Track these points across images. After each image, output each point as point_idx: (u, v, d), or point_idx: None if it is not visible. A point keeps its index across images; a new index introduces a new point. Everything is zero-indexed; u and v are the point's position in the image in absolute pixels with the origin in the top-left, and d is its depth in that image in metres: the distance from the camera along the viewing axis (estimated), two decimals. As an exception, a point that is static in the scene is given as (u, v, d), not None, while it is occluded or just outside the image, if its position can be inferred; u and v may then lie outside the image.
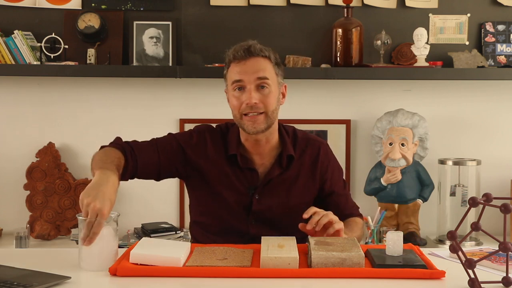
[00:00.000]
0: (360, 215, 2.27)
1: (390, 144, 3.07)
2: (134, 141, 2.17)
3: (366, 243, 2.90)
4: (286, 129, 2.21)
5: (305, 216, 1.91)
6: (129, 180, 2.15)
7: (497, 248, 1.57)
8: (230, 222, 2.14)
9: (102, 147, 2.15)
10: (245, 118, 2.06)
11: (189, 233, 2.38)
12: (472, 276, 1.58)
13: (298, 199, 2.14)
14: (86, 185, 3.11)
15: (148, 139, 3.22)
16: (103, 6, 3.21)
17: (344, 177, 2.31)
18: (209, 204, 2.17)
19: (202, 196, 2.19)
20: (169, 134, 2.24)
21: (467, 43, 3.27)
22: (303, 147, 2.19)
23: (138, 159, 2.11)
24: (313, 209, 1.93)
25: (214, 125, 2.26)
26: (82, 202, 1.76)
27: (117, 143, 2.15)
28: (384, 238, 2.43)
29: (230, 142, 2.15)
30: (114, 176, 1.92)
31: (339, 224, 1.91)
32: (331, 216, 1.91)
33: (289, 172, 2.15)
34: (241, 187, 2.13)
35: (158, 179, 2.21)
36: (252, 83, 2.04)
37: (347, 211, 2.19)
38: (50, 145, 3.19)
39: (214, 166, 2.14)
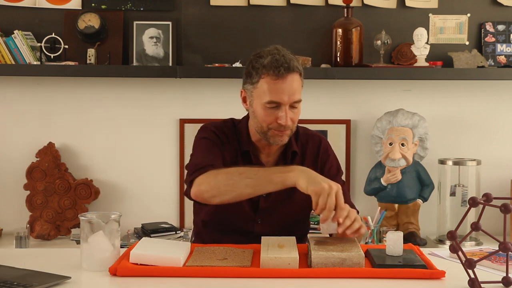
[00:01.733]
0: None
1: (390, 144, 3.07)
2: (203, 162, 2.07)
3: (366, 243, 2.90)
4: None
5: (340, 220, 1.83)
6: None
7: (497, 248, 1.57)
8: (236, 222, 2.14)
9: (192, 179, 2.02)
10: (273, 132, 2.07)
11: (189, 233, 2.38)
12: (472, 276, 1.58)
13: (302, 195, 2.14)
14: (86, 185, 3.17)
15: (148, 139, 3.27)
16: (103, 6, 3.21)
17: (343, 178, 2.31)
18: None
19: None
20: (203, 138, 2.16)
21: (467, 43, 3.27)
22: (304, 142, 2.21)
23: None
24: (346, 209, 1.86)
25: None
26: (323, 192, 1.78)
27: (203, 169, 2.03)
28: (384, 238, 2.43)
29: (242, 138, 2.16)
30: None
31: (364, 229, 1.90)
32: (359, 220, 1.87)
33: None
34: None
35: None
36: (288, 105, 2.04)
37: None
38: (50, 145, 3.19)
39: (231, 162, 2.12)
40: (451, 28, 3.27)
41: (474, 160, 3.13)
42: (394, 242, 1.81)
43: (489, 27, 3.25)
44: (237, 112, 2.29)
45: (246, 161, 2.14)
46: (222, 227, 2.16)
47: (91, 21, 3.11)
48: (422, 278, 1.69)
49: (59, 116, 3.25)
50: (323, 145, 2.23)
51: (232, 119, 2.24)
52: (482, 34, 3.26)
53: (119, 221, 1.80)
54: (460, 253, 1.59)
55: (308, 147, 2.20)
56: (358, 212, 2.28)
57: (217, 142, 2.14)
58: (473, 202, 1.58)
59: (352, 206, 2.27)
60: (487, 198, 1.58)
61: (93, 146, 3.26)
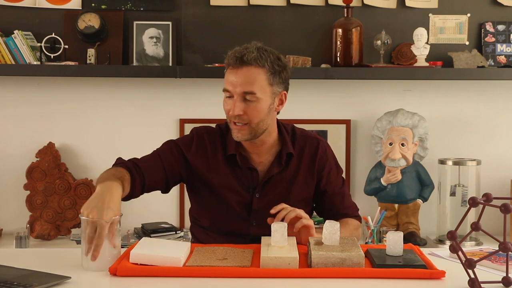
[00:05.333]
0: (358, 217, 2.26)
1: (390, 144, 3.07)
2: (135, 158, 2.15)
3: (366, 243, 2.90)
4: (285, 127, 2.21)
5: (273, 211, 1.92)
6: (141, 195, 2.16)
7: (497, 248, 1.57)
8: (231, 225, 2.14)
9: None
10: (233, 125, 2.08)
11: (189, 233, 2.38)
12: (472, 276, 1.58)
13: (297, 196, 2.15)
14: (86, 185, 3.18)
15: (148, 139, 3.26)
16: (103, 6, 3.21)
17: (344, 176, 2.30)
18: (210, 207, 2.17)
19: (203, 200, 2.19)
20: (169, 141, 2.22)
21: (467, 43, 3.27)
22: (301, 145, 2.20)
23: (144, 174, 2.10)
24: (281, 205, 1.95)
25: (214, 125, 2.26)
26: (82, 215, 1.76)
27: (120, 162, 2.12)
28: (384, 238, 2.43)
29: (229, 142, 2.15)
30: (116, 184, 1.90)
31: (308, 221, 1.93)
32: (298, 211, 1.92)
33: (289, 170, 2.16)
34: (241, 187, 2.13)
35: (166, 190, 2.22)
36: (238, 95, 2.04)
37: (341, 211, 2.19)
38: (50, 145, 3.19)
39: (213, 168, 2.15)
40: (451, 28, 3.27)
41: (474, 160, 3.13)
42: (394, 242, 1.81)
43: (489, 27, 3.25)
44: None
45: (233, 165, 2.14)
46: (218, 230, 2.16)
47: (91, 21, 3.11)
48: (422, 278, 1.69)
49: (59, 116, 3.25)
50: (321, 147, 2.21)
51: (226, 123, 2.22)
52: (482, 34, 3.26)
53: (120, 221, 1.80)
54: (460, 253, 1.59)
55: (306, 149, 2.19)
56: (358, 210, 2.28)
57: (174, 152, 2.15)
58: (473, 202, 1.58)
59: (352, 206, 2.27)
60: (487, 198, 1.58)
61: (93, 146, 3.26)
